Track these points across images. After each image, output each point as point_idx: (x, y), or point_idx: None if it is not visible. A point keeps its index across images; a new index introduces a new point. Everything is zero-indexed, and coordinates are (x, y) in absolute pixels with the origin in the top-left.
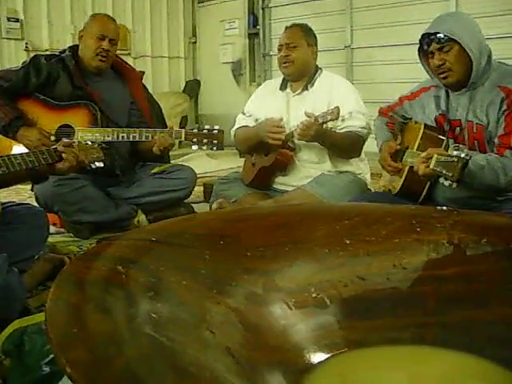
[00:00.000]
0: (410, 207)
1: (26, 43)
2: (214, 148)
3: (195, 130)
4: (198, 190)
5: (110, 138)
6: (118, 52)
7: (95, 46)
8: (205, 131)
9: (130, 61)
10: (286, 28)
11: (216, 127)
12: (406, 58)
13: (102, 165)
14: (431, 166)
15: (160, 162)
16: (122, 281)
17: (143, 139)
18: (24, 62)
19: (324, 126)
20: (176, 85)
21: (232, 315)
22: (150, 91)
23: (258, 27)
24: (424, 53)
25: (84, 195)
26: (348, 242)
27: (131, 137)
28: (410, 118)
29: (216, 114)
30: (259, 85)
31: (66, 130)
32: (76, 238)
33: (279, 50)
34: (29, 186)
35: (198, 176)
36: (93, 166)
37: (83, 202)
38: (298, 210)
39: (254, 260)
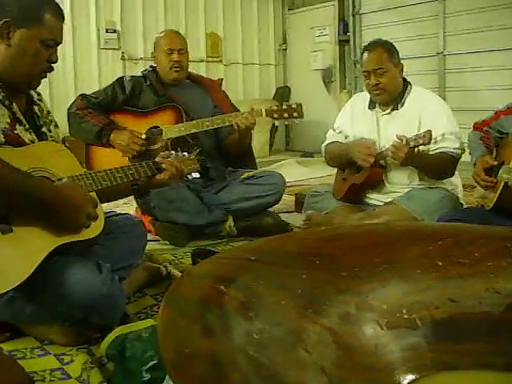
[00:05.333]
0: (504, 229)
1: (123, 53)
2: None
3: (275, 107)
4: (290, 199)
5: (195, 130)
6: (210, 59)
7: (167, 60)
8: (284, 106)
9: (220, 68)
10: (367, 49)
11: (294, 102)
12: (503, 63)
13: (198, 175)
14: None
15: (248, 168)
16: (225, 300)
17: (226, 123)
18: (109, 84)
19: (416, 150)
20: (267, 91)
21: (326, 334)
22: (241, 98)
23: (348, 34)
24: None
25: (180, 196)
26: (440, 263)
27: (215, 124)
28: (507, 133)
29: (306, 120)
30: (349, 92)
31: (154, 131)
32: (171, 246)
33: (366, 76)
34: None
35: (289, 184)
36: (189, 177)
37: (179, 202)
38: (391, 229)
39: (349, 280)
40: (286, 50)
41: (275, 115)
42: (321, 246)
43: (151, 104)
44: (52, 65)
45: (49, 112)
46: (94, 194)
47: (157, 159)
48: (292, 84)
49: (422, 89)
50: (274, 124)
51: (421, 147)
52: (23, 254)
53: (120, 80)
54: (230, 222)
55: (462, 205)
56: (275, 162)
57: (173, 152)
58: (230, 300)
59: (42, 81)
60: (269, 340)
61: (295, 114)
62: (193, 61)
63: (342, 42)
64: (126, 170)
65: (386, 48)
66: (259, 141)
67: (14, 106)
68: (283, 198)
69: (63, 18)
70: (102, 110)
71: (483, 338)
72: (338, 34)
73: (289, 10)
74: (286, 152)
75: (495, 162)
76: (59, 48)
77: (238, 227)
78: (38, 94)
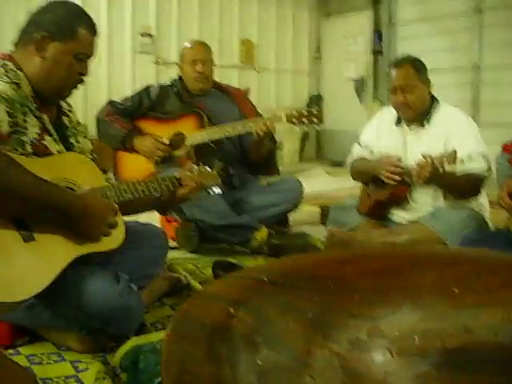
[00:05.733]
0: None
1: (157, 57)
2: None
3: (294, 112)
4: (316, 211)
5: (217, 136)
6: (242, 65)
7: (192, 71)
8: (303, 111)
9: (253, 74)
10: (395, 65)
11: (315, 107)
12: None
13: (220, 191)
14: None
15: (270, 173)
16: (233, 325)
17: (247, 129)
18: (136, 92)
19: (441, 170)
20: (299, 99)
21: (334, 360)
22: (273, 105)
23: (382, 44)
24: None
25: (206, 196)
26: (456, 290)
27: (237, 129)
28: None
29: (338, 129)
30: (381, 102)
31: (177, 137)
32: (193, 256)
33: (392, 92)
34: None
35: (316, 194)
36: (210, 192)
37: (205, 201)
38: (407, 253)
39: (361, 305)
40: (319, 58)
41: (294, 120)
42: (334, 269)
43: (176, 110)
44: (83, 77)
45: (79, 123)
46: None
47: (178, 173)
48: (324, 92)
49: (449, 106)
50: (304, 132)
51: (446, 167)
52: (44, 263)
53: (147, 88)
54: (263, 233)
55: (487, 225)
56: (304, 170)
57: (195, 166)
58: (238, 324)
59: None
60: (273, 366)
61: (315, 120)
62: (225, 67)
63: (376, 52)
64: (149, 184)
65: (414, 65)
66: (289, 149)
67: (45, 116)
68: (308, 209)
69: (96, 33)
70: (129, 116)
71: (498, 370)
72: (372, 44)
73: (324, 17)
74: (317, 160)
75: None
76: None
77: (269, 244)
78: (69, 105)
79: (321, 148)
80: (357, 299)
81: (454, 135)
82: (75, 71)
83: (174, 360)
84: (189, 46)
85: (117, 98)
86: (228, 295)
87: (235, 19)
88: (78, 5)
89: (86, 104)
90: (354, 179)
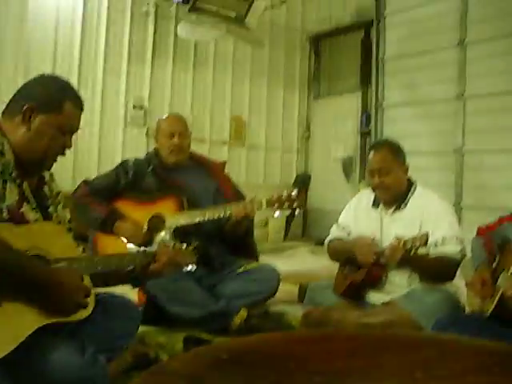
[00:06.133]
0: (491, 343)
1: (148, 130)
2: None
3: (275, 197)
4: (294, 289)
5: (196, 220)
6: (232, 142)
7: (168, 144)
8: (283, 196)
9: (243, 152)
10: (374, 148)
11: (295, 191)
12: None
13: (193, 268)
14: None
15: (249, 257)
16: None
17: (227, 214)
18: (113, 168)
19: (413, 251)
20: (287, 177)
21: None
22: (261, 182)
23: (370, 126)
24: None
25: (183, 287)
26: (419, 375)
27: (216, 214)
28: (510, 240)
29: (325, 208)
30: (368, 183)
31: (156, 220)
32: (165, 328)
33: (370, 174)
34: None
35: (297, 273)
36: (184, 270)
37: (181, 294)
38: (373, 337)
39: None
40: (308, 137)
41: (276, 206)
42: (298, 349)
43: (154, 188)
44: (65, 150)
45: (58, 193)
46: (87, 278)
47: (154, 249)
48: (312, 171)
49: (426, 190)
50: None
51: (421, 250)
52: (9, 328)
53: (124, 164)
54: (243, 314)
55: (462, 308)
56: (288, 248)
57: (171, 242)
58: None
59: (67, 153)
60: None
61: (295, 205)
62: (215, 142)
63: (364, 133)
64: (122, 257)
65: (392, 149)
66: (274, 226)
67: (25, 184)
68: (287, 288)
69: (82, 108)
70: (105, 195)
71: None
72: (361, 125)
73: (314, 98)
74: (302, 239)
75: (489, 280)
76: (87, 122)
77: (247, 325)
78: (50, 174)
79: (307, 226)
80: (316, 381)
81: (429, 218)
82: (58, 144)
83: None
84: (164, 118)
85: (107, 169)
86: (186, 371)
87: (227, 96)
88: (67, 80)
89: (75, 174)
90: (332, 260)
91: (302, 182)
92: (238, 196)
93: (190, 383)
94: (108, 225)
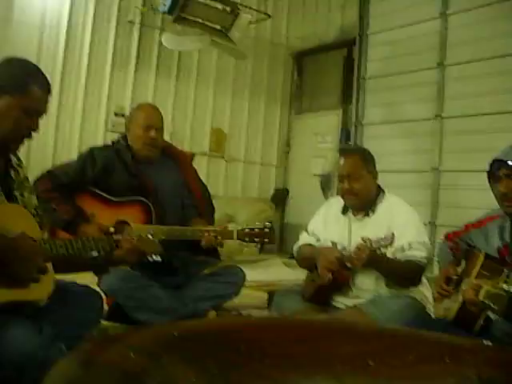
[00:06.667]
0: (443, 335)
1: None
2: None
3: (247, 230)
4: (264, 296)
5: (163, 237)
6: (212, 154)
7: (143, 137)
8: (256, 230)
9: (222, 164)
10: (344, 154)
11: (268, 224)
12: None
13: (159, 259)
14: (480, 298)
15: (211, 257)
16: (130, 367)
17: (196, 238)
18: (81, 155)
19: (379, 252)
20: (265, 191)
21: None
22: (239, 195)
23: (349, 143)
24: (494, 178)
25: (149, 293)
26: (371, 363)
27: (186, 236)
28: (474, 246)
29: (301, 223)
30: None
31: (122, 227)
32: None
33: (340, 180)
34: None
35: (268, 282)
36: (150, 259)
37: (146, 300)
38: (329, 325)
39: (271, 368)
40: (288, 152)
41: (246, 238)
42: (252, 333)
43: (122, 185)
44: (32, 132)
45: (26, 178)
46: (49, 264)
47: (116, 236)
48: (291, 187)
49: (394, 197)
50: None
51: (388, 254)
52: None
53: (91, 155)
54: (213, 316)
55: (428, 315)
56: (263, 261)
57: (135, 232)
58: (131, 364)
59: (45, 154)
60: None
61: (266, 241)
62: (195, 153)
63: None
64: (85, 242)
65: (362, 155)
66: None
67: None
68: (258, 294)
69: (49, 91)
70: (69, 189)
71: None
72: (340, 142)
73: (295, 114)
74: (278, 253)
75: (455, 276)
76: (67, 126)
77: None
78: (19, 160)
79: (283, 241)
80: (268, 363)
81: (396, 224)
82: (23, 126)
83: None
84: (142, 108)
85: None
86: (136, 344)
87: (209, 107)
88: (34, 64)
89: None
90: (300, 266)
91: (280, 197)
92: (203, 191)
93: (142, 355)
94: (71, 227)
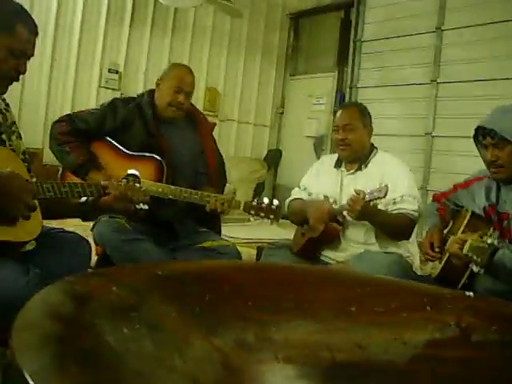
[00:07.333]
0: (426, 285)
1: (121, 93)
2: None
3: (254, 203)
4: (253, 252)
5: (171, 197)
6: (206, 113)
7: (171, 98)
8: (263, 205)
9: (216, 123)
10: (342, 108)
11: (275, 202)
12: None
13: (146, 207)
14: (464, 251)
15: (213, 231)
16: (111, 299)
17: (203, 202)
18: (102, 104)
19: (372, 203)
20: (258, 152)
21: (214, 354)
22: (232, 154)
23: None
24: (480, 145)
25: (139, 247)
26: (354, 309)
27: (193, 198)
28: (462, 206)
29: (293, 184)
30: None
31: (133, 179)
32: None
33: (335, 131)
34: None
35: (258, 241)
36: (137, 207)
37: (135, 253)
38: (314, 271)
39: (254, 310)
40: (282, 113)
41: (252, 211)
42: (236, 276)
43: (138, 141)
44: (19, 75)
45: (14, 123)
46: (38, 209)
47: (104, 183)
48: (284, 147)
49: (386, 153)
50: (259, 183)
51: (379, 206)
52: None
53: (113, 105)
54: None
55: (414, 273)
56: (254, 220)
57: (124, 180)
58: (117, 300)
59: (38, 108)
60: (140, 338)
61: (271, 216)
62: None
63: None
64: (73, 187)
65: (360, 108)
66: (241, 198)
67: None
68: (246, 250)
69: (36, 33)
70: (86, 136)
71: None
72: (334, 104)
73: (290, 75)
74: None
75: (437, 242)
76: (60, 80)
77: None
78: (6, 104)
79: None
80: (250, 304)
81: (388, 177)
82: (10, 66)
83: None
84: (178, 69)
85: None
86: (120, 279)
87: (204, 66)
88: (21, 5)
89: (45, 130)
90: (291, 221)
91: (273, 157)
92: (218, 163)
93: (119, 286)
94: (81, 172)
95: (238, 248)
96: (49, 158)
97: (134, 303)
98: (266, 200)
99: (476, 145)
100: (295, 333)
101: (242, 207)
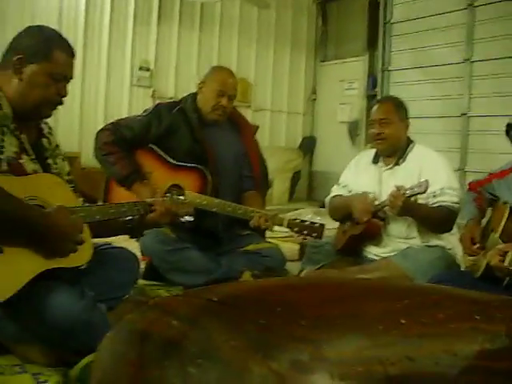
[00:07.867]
0: (472, 293)
1: (154, 91)
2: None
3: (298, 221)
4: (296, 247)
5: (215, 210)
6: (238, 104)
7: (214, 102)
8: (307, 223)
9: (249, 113)
10: (378, 102)
11: (318, 220)
12: None
13: (192, 219)
14: (506, 263)
15: (257, 233)
16: (169, 333)
17: (246, 218)
18: (146, 110)
19: (413, 199)
20: (292, 140)
21: (272, 377)
22: (266, 144)
23: (376, 89)
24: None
25: (183, 256)
26: (403, 321)
27: (237, 213)
28: (497, 196)
29: (329, 171)
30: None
31: (175, 191)
32: (166, 283)
33: (371, 124)
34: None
35: None
36: (182, 220)
37: (181, 263)
38: (362, 284)
39: (307, 329)
40: (314, 100)
41: (296, 228)
42: (285, 295)
43: (184, 148)
44: (62, 98)
45: (57, 146)
46: (87, 230)
47: (150, 200)
48: (318, 135)
49: (424, 147)
50: (295, 172)
51: (420, 200)
52: (10, 274)
53: (158, 112)
54: (247, 276)
55: (458, 265)
56: (293, 210)
57: (168, 194)
58: (173, 332)
59: (73, 112)
60: (203, 374)
61: (314, 235)
62: None
63: (370, 97)
64: (120, 207)
65: (396, 103)
66: (279, 188)
67: (23, 136)
68: (289, 245)
69: (73, 55)
70: (132, 144)
71: None
72: (367, 89)
73: (321, 61)
74: (307, 201)
75: (477, 237)
76: (92, 82)
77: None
78: (49, 128)
79: (312, 189)
80: (304, 324)
81: (427, 171)
82: (52, 92)
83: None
84: (222, 72)
85: None
86: (176, 310)
87: (233, 58)
88: (54, 29)
89: (81, 134)
90: (333, 218)
91: (307, 145)
92: (262, 167)
93: (180, 321)
94: (126, 183)
95: (280, 243)
96: (87, 161)
97: (193, 335)
98: (309, 218)
99: (510, 140)
100: (348, 349)
101: (285, 224)
